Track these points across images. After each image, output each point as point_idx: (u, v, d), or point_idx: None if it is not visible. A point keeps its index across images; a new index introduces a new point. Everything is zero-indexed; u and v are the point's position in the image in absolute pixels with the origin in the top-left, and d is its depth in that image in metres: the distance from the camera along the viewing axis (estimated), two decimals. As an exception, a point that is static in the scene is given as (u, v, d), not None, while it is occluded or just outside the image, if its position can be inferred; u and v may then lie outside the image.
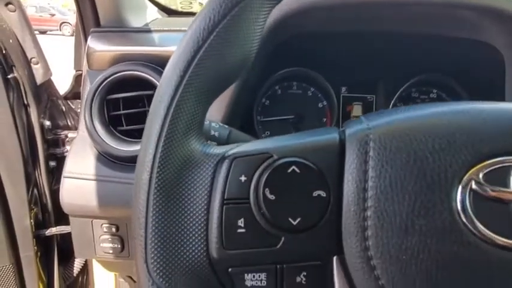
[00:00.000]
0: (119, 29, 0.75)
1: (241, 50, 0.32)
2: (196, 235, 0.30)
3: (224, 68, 0.32)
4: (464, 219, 0.27)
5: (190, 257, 0.30)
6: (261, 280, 0.30)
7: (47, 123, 0.87)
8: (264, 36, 0.62)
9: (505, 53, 0.60)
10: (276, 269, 0.30)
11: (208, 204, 0.30)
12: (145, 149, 0.31)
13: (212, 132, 0.42)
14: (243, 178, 0.30)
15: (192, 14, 1.09)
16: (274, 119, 0.80)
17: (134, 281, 0.96)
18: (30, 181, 0.84)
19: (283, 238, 0.30)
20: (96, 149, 0.69)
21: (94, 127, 0.65)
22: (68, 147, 0.84)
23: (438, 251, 0.27)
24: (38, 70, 0.85)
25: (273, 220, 0.30)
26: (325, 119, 0.81)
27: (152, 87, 0.66)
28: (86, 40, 0.75)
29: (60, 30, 11.39)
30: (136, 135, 0.69)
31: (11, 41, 0.77)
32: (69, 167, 0.69)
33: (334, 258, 0.30)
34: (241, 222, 0.30)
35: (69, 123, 0.95)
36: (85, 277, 1.04)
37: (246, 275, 0.30)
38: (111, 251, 0.73)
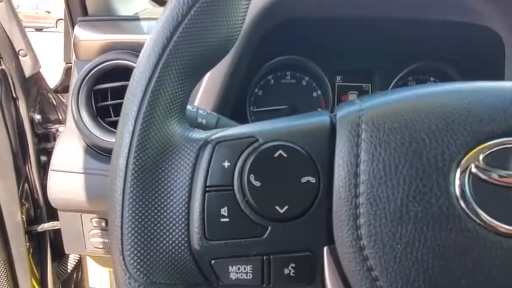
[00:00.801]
0: (107, 18, 0.73)
1: (225, 27, 0.30)
2: (177, 225, 0.28)
3: (206, 46, 0.30)
4: (463, 205, 0.26)
5: (170, 248, 0.28)
6: (247, 273, 0.28)
7: (37, 117, 0.86)
8: (254, 21, 0.60)
9: (505, 36, 0.59)
10: (263, 261, 0.28)
11: (189, 192, 0.28)
12: (122, 132, 0.29)
13: (199, 120, 0.40)
14: (226, 164, 0.29)
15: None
16: (267, 109, 0.78)
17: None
18: (21, 176, 0.83)
19: (269, 227, 0.28)
20: (84, 141, 0.68)
21: (81, 118, 0.64)
22: (59, 142, 0.83)
23: (435, 239, 0.25)
24: (26, 62, 0.83)
25: (259, 208, 0.28)
26: (319, 109, 0.80)
27: None
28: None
29: (56, 27, 11.35)
30: None
31: (-3, 32, 0.75)
32: (56, 160, 0.67)
33: (325, 248, 0.28)
34: (224, 211, 0.28)
35: (60, 117, 0.94)
36: (79, 273, 1.03)
37: (230, 267, 0.28)
38: (101, 246, 0.72)
